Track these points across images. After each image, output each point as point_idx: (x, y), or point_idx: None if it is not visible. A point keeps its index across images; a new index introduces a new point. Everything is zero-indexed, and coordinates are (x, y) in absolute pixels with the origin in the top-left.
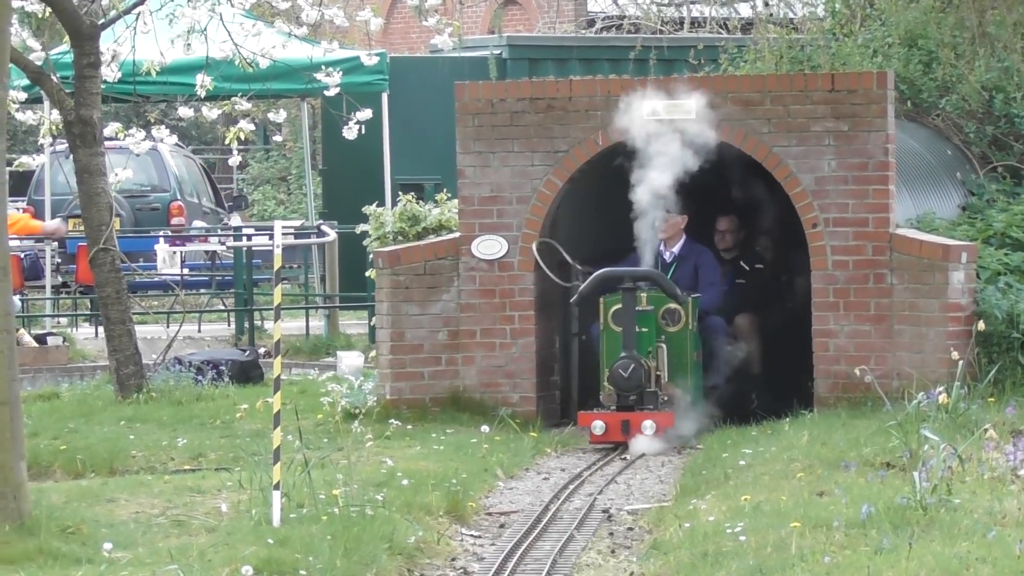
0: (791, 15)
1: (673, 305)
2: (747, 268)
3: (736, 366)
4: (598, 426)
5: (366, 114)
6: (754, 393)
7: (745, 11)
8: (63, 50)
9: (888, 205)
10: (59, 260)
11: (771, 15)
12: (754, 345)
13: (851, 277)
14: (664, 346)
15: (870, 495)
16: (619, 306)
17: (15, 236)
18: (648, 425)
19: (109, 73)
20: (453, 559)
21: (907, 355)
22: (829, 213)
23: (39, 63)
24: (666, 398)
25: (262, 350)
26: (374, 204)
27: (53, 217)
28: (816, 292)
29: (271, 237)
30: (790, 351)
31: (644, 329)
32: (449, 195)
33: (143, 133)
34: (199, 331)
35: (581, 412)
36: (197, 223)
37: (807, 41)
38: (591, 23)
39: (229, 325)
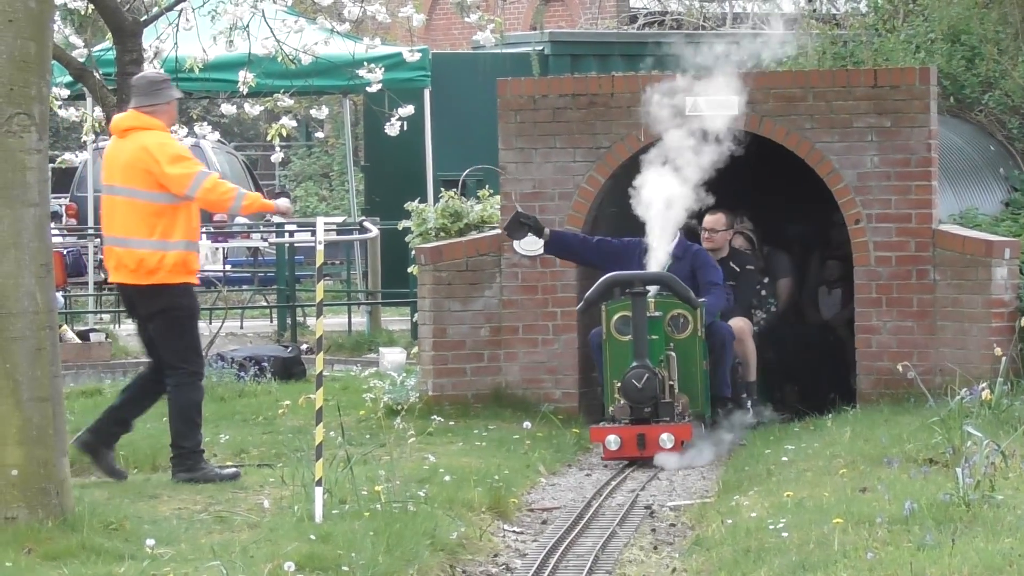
0: (834, 11)
1: (680, 310)
2: (737, 269)
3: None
4: (612, 441)
5: (408, 110)
6: (750, 402)
7: (788, 7)
8: (106, 47)
9: (931, 201)
10: (102, 257)
11: (814, 11)
12: (752, 351)
13: (894, 273)
14: (674, 355)
15: (913, 491)
16: (624, 312)
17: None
18: (666, 438)
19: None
20: (495, 555)
21: (950, 351)
22: (872, 209)
23: (82, 60)
24: (680, 409)
25: (304, 346)
26: (416, 200)
27: (96, 213)
28: (859, 288)
29: (313, 233)
30: (780, 356)
31: (654, 337)
32: (491, 191)
33: (185, 130)
34: (241, 327)
35: (592, 427)
36: (239, 220)
37: (850, 37)
38: (633, 19)
39: (271, 321)
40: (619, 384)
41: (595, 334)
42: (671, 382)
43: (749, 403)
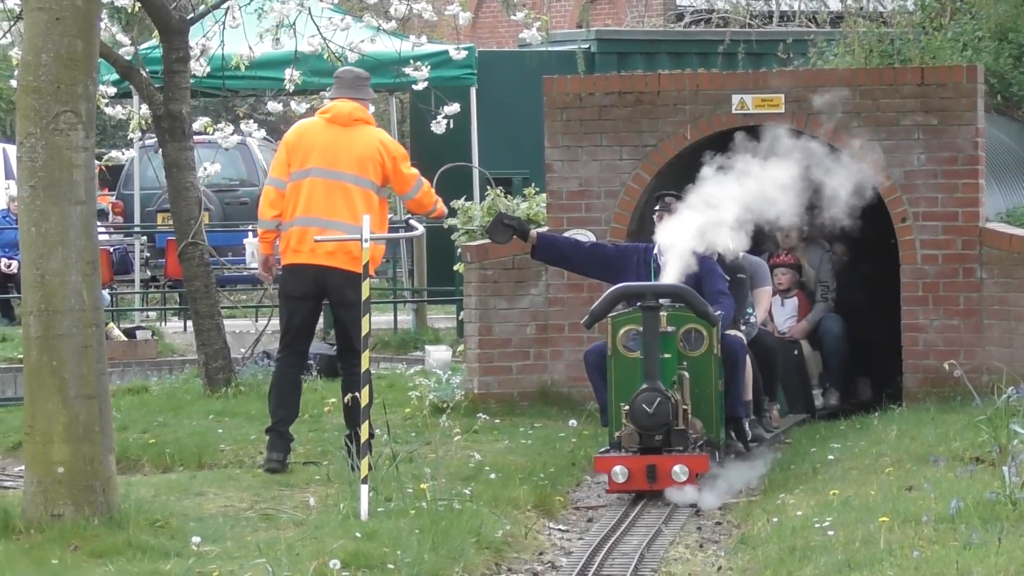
0: (881, 8)
1: (694, 325)
2: (728, 277)
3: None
4: (619, 472)
5: (454, 108)
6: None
7: (834, 4)
8: (152, 45)
9: (977, 199)
10: (148, 254)
11: (861, 8)
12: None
13: (940, 271)
14: (687, 374)
15: (959, 490)
16: (631, 327)
17: None
18: (679, 470)
19: (198, 68)
20: (541, 553)
21: (996, 350)
22: (918, 207)
23: (128, 58)
24: (695, 436)
25: None
26: (462, 198)
27: (143, 211)
28: (905, 287)
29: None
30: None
31: (667, 355)
32: (537, 189)
33: (232, 127)
34: None
35: (597, 455)
36: None
37: (897, 35)
38: (680, 17)
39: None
40: (626, 408)
41: (593, 351)
42: (685, 406)
43: (747, 424)
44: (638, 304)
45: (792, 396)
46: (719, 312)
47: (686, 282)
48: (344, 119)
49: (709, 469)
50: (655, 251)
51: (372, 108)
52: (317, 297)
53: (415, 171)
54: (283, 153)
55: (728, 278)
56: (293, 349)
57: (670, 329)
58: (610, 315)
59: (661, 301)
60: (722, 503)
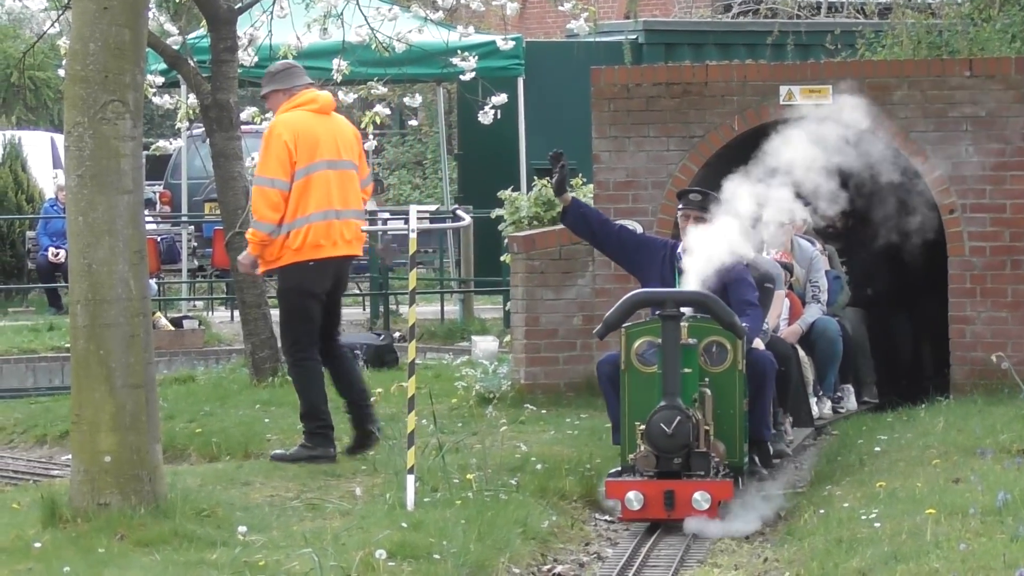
0: (929, 0)
1: (717, 337)
2: (755, 288)
3: None
4: (633, 499)
5: (501, 99)
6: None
7: None
8: (200, 34)
9: None
10: (195, 244)
11: (909, 0)
12: None
13: (988, 263)
14: (709, 391)
15: (1006, 482)
16: (649, 337)
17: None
18: (700, 498)
19: (246, 57)
20: (587, 544)
21: None
22: (966, 199)
23: (176, 47)
24: (717, 460)
25: (397, 334)
26: (509, 189)
27: (190, 200)
28: (953, 279)
29: (406, 221)
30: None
31: (687, 370)
32: (584, 180)
33: None
34: None
35: (609, 480)
36: None
37: (945, 26)
38: (728, 8)
39: (364, 309)
40: (642, 427)
41: (607, 362)
42: (707, 426)
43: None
44: (656, 313)
45: (794, 407)
46: (745, 324)
47: (711, 289)
48: (324, 107)
49: (733, 497)
50: (680, 250)
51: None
52: (333, 289)
53: None
54: (284, 152)
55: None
56: (318, 345)
57: (691, 341)
58: (624, 325)
59: (683, 310)
60: (748, 532)
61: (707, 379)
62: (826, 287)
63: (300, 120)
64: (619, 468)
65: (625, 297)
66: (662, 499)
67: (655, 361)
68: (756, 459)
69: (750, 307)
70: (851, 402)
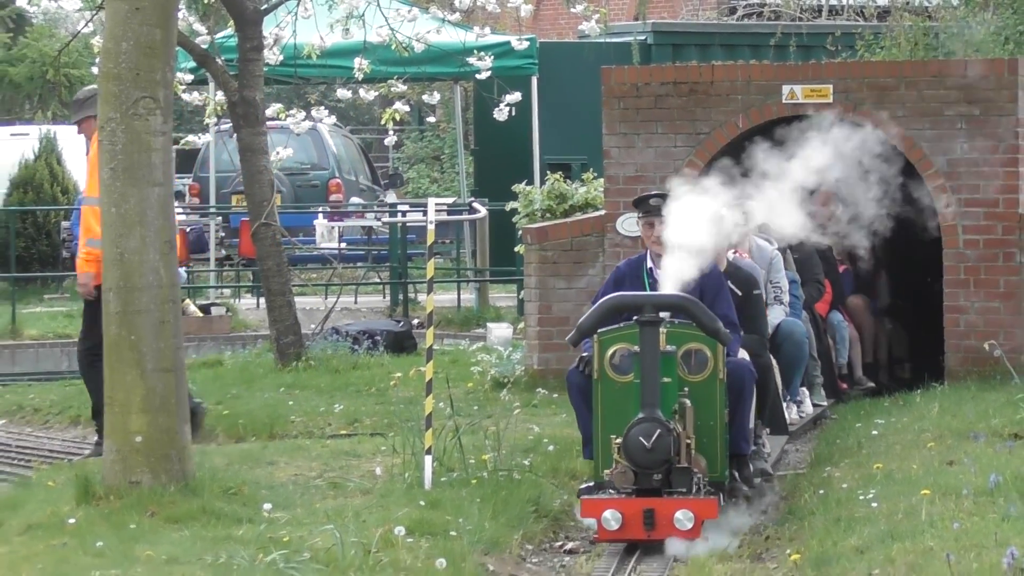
0: (926, 3)
1: (697, 344)
2: (740, 293)
3: None
4: (611, 518)
5: (516, 97)
6: None
7: None
8: (228, 34)
9: (1017, 186)
10: (223, 234)
11: (907, 3)
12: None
13: (981, 255)
14: (689, 402)
15: (998, 464)
16: (623, 345)
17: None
18: (683, 517)
19: (271, 56)
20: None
21: None
22: (961, 194)
23: (205, 46)
24: (699, 475)
25: (415, 321)
26: (523, 183)
27: (218, 192)
28: (948, 270)
29: (424, 213)
30: None
31: (667, 379)
32: (595, 174)
33: (303, 114)
34: (355, 303)
35: (584, 497)
36: (354, 200)
37: (941, 28)
38: (733, 10)
39: (384, 297)
40: (618, 441)
41: (575, 372)
42: (688, 439)
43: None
44: (633, 318)
45: (771, 415)
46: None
47: (689, 293)
48: None
49: (717, 516)
50: (648, 264)
51: None
52: None
53: None
54: None
55: (740, 292)
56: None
57: (670, 349)
58: (598, 331)
59: (662, 315)
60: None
61: (686, 388)
62: (787, 288)
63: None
64: (591, 484)
65: (600, 301)
66: (641, 518)
67: (631, 370)
68: (736, 475)
69: (729, 325)
70: (808, 405)
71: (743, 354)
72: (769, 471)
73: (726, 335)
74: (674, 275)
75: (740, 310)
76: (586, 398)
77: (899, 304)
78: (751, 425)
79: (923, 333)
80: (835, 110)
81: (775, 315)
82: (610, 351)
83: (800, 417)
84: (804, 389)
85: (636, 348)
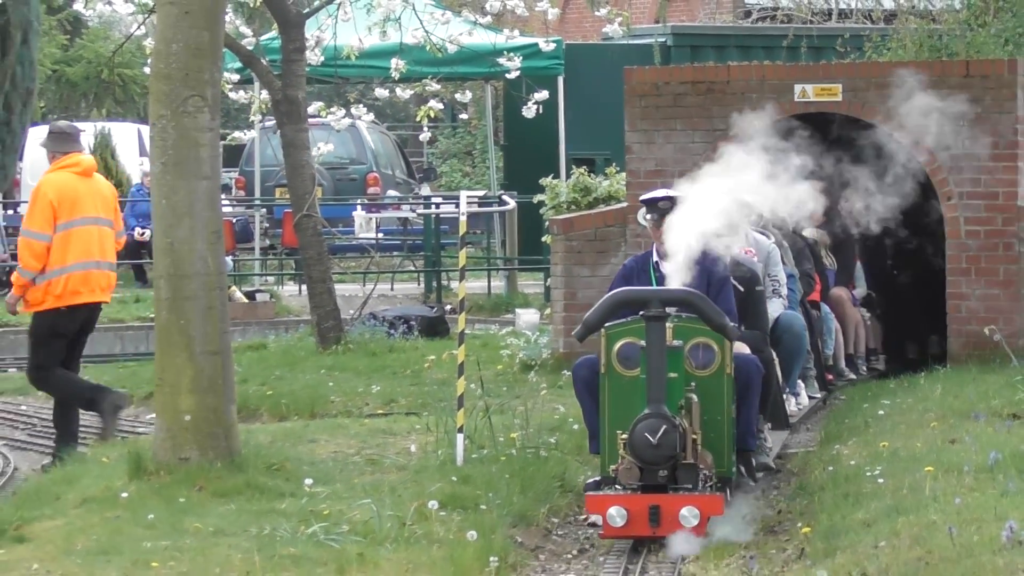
0: (930, 7)
1: (704, 339)
2: (742, 289)
3: None
4: (616, 515)
5: (543, 95)
6: None
7: (888, 2)
8: (272, 36)
9: (1016, 180)
10: (267, 225)
11: (912, 6)
12: None
13: (982, 245)
14: (695, 397)
15: (998, 443)
16: (630, 339)
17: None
18: (688, 514)
19: (313, 57)
20: None
21: None
22: (963, 187)
23: (250, 48)
24: (706, 472)
25: (448, 307)
26: (550, 176)
27: (262, 185)
28: (950, 259)
29: (457, 205)
30: None
31: (673, 375)
32: (618, 168)
33: (343, 111)
34: (392, 289)
35: (589, 494)
36: (391, 192)
37: (944, 31)
38: (748, 14)
39: (419, 284)
40: (624, 436)
41: (583, 365)
42: (694, 435)
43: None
44: (640, 313)
45: (773, 409)
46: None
47: (696, 284)
48: (87, 170)
49: (723, 512)
50: (654, 258)
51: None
52: (80, 331)
53: None
54: (48, 209)
55: (742, 288)
56: (58, 365)
57: (677, 343)
58: (605, 326)
59: (668, 310)
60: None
61: (693, 384)
62: (785, 281)
63: (64, 181)
64: (597, 478)
65: (606, 296)
66: (647, 515)
67: (637, 364)
68: (742, 469)
69: (728, 314)
70: (804, 398)
71: (743, 348)
72: (771, 465)
73: (732, 331)
74: (679, 275)
75: (742, 306)
76: (592, 392)
77: (872, 296)
78: (756, 421)
79: (894, 324)
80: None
81: (774, 308)
82: (618, 344)
83: (798, 409)
84: (800, 382)
85: (643, 343)
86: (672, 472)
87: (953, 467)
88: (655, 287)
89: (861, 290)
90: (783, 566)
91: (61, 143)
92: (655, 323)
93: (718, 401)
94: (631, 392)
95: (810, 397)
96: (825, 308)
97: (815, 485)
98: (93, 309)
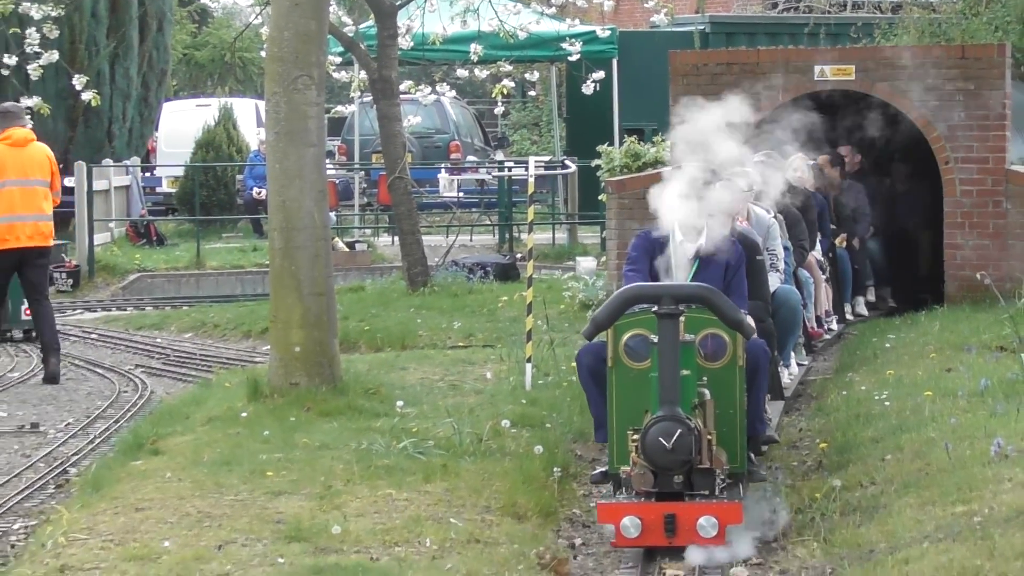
0: None
1: (715, 330)
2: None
3: None
4: (631, 525)
5: (600, 75)
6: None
7: None
8: (369, 24)
9: (1004, 147)
10: (365, 186)
11: None
12: None
13: (975, 203)
14: (708, 393)
15: (988, 371)
16: (639, 331)
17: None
18: (707, 524)
19: (404, 42)
20: None
21: (1018, 263)
22: (958, 153)
23: (351, 35)
24: (723, 476)
25: (518, 255)
26: (606, 144)
27: (361, 152)
28: (947, 215)
29: (526, 169)
30: None
31: (686, 372)
32: (663, 137)
33: (429, 89)
34: (471, 240)
35: (601, 503)
36: (470, 158)
37: (943, 19)
38: (774, 5)
39: (493, 236)
40: (635, 436)
41: (588, 352)
42: (709, 435)
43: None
44: (653, 310)
45: (771, 382)
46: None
47: (713, 276)
48: (21, 141)
49: (743, 520)
50: (678, 236)
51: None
52: (26, 270)
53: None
54: None
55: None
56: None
57: (688, 338)
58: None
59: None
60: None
61: (704, 378)
62: (783, 255)
63: (4, 150)
64: (604, 470)
65: (616, 292)
66: (662, 524)
67: (646, 356)
68: (751, 457)
69: (739, 300)
70: (794, 367)
71: (775, 280)
72: (775, 438)
73: (750, 327)
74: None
75: (746, 276)
76: (597, 379)
77: (823, 261)
78: (764, 404)
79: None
80: (856, 86)
81: (771, 282)
82: (626, 336)
83: (790, 380)
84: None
85: (653, 336)
86: (687, 478)
87: (949, 392)
88: (667, 283)
89: (818, 254)
90: (804, 476)
91: (4, 120)
92: (668, 321)
93: (730, 394)
94: (639, 385)
95: (799, 364)
96: (804, 273)
97: (831, 407)
98: (24, 253)
